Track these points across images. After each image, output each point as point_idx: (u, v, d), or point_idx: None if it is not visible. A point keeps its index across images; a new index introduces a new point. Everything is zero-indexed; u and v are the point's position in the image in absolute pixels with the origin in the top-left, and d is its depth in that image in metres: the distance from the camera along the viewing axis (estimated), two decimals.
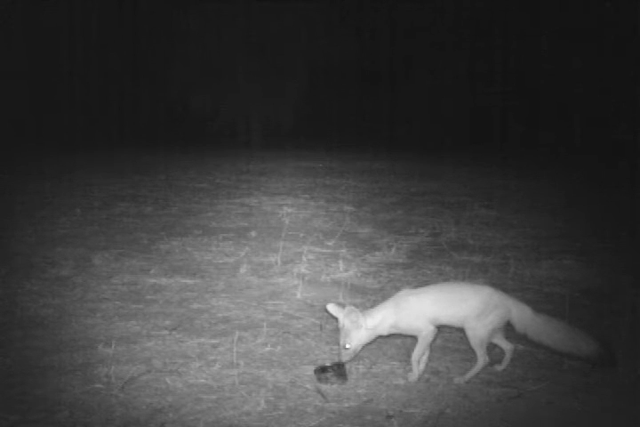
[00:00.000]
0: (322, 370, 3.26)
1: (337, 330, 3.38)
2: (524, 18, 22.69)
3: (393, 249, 6.18)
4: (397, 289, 4.89)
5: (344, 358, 3.26)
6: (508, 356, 3.45)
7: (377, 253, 6.09)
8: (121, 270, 5.30)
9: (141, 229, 7.09)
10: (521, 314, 3.30)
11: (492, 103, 23.89)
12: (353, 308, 3.30)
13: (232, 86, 25.48)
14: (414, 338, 3.83)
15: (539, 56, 22.95)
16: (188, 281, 5.03)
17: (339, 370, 3.25)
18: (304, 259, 5.71)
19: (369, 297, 4.67)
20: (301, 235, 6.74)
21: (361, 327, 3.26)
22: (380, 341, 3.75)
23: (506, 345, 3.45)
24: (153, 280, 5.03)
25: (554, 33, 22.02)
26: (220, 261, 5.68)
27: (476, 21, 23.85)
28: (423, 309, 3.31)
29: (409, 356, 3.57)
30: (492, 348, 3.69)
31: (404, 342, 3.78)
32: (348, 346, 3.25)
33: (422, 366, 3.38)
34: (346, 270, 5.39)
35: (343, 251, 6.07)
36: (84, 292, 4.70)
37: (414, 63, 25.11)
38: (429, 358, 3.44)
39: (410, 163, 16.25)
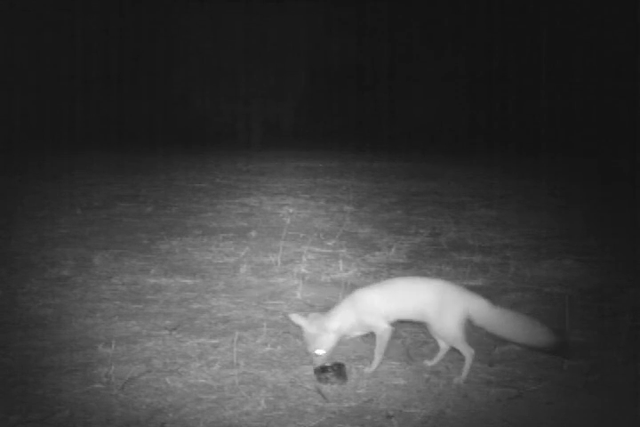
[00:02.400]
0: (322, 370, 3.26)
1: (302, 338, 3.41)
2: (524, 18, 22.69)
3: (393, 249, 6.18)
4: None
5: (318, 363, 3.30)
6: (441, 353, 3.45)
7: (377, 253, 6.09)
8: (121, 270, 5.30)
9: (141, 229, 7.09)
10: (478, 307, 3.31)
11: (491, 103, 23.88)
12: (317, 314, 3.38)
13: (232, 86, 25.48)
14: (414, 338, 3.84)
15: (539, 56, 22.95)
16: (188, 281, 5.03)
17: (339, 370, 3.25)
18: (304, 259, 5.71)
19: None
20: (301, 235, 6.74)
21: (328, 331, 3.30)
22: None
23: (442, 343, 3.44)
24: (153, 280, 5.03)
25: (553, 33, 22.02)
26: (220, 261, 5.68)
27: (476, 21, 23.84)
28: (378, 306, 3.34)
29: (409, 356, 3.57)
30: (491, 348, 3.69)
31: (404, 342, 3.78)
32: (321, 352, 3.30)
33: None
34: (346, 270, 5.39)
35: (343, 251, 6.07)
36: (84, 292, 4.70)
37: (414, 63, 25.09)
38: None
39: (410, 163, 16.26)
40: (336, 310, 3.38)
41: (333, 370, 3.24)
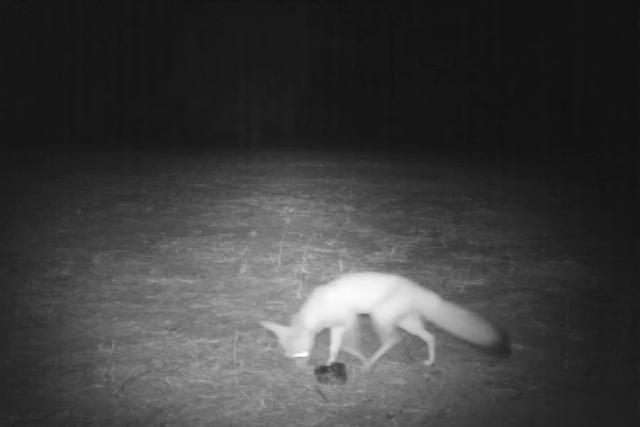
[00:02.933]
0: (322, 370, 3.26)
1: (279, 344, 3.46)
2: (523, 18, 22.69)
3: (393, 249, 6.18)
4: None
5: (302, 366, 3.36)
6: (431, 347, 3.50)
7: (377, 253, 6.09)
8: (121, 270, 5.30)
9: (141, 229, 7.09)
10: (429, 303, 3.43)
11: (492, 103, 23.89)
12: (293, 318, 3.45)
13: (232, 86, 25.48)
14: (414, 338, 3.84)
15: (538, 57, 22.96)
16: (188, 281, 5.03)
17: (339, 370, 3.25)
18: (304, 259, 5.71)
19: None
20: (301, 235, 6.74)
21: (305, 333, 3.36)
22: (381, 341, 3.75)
23: (426, 336, 3.51)
24: (153, 280, 5.03)
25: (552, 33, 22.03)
26: (220, 261, 5.68)
27: (475, 21, 23.84)
28: (343, 299, 3.41)
29: (409, 356, 3.57)
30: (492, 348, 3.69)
31: (404, 342, 3.78)
32: (304, 353, 3.36)
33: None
34: (346, 270, 5.38)
35: (343, 251, 6.07)
36: (84, 292, 4.70)
37: (414, 63, 25.10)
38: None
39: (410, 163, 16.26)
40: (304, 310, 3.43)
41: (333, 370, 3.25)
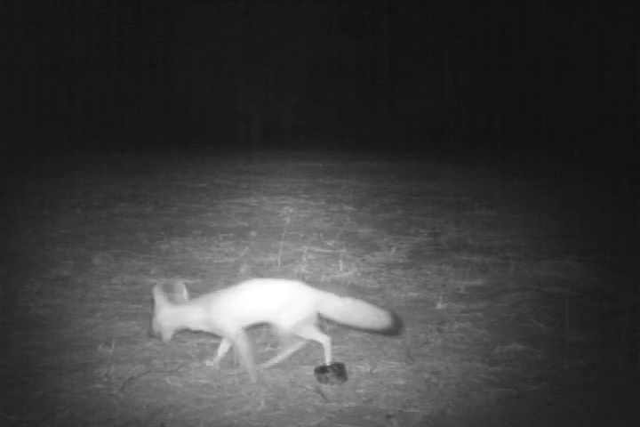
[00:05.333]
0: (322, 370, 3.26)
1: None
2: (523, 18, 22.69)
3: (393, 249, 6.18)
4: (397, 289, 4.91)
5: (155, 335, 3.45)
6: (327, 348, 3.37)
7: (377, 253, 6.08)
8: (121, 270, 5.29)
9: (141, 229, 7.09)
10: (329, 304, 3.38)
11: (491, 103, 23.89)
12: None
13: (232, 86, 25.47)
14: (414, 338, 3.84)
15: (538, 57, 22.95)
16: (188, 281, 5.02)
17: (339, 370, 3.25)
18: (304, 259, 5.71)
19: (369, 297, 4.67)
20: (301, 235, 6.74)
21: (177, 323, 3.40)
22: (381, 341, 3.76)
23: (321, 338, 3.40)
24: (153, 280, 5.03)
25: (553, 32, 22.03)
26: (220, 261, 5.68)
27: (475, 22, 23.85)
28: (231, 310, 3.30)
29: (409, 356, 3.57)
30: (491, 348, 3.69)
31: (404, 342, 3.78)
32: (166, 336, 3.46)
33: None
34: (346, 270, 5.38)
35: (343, 251, 6.07)
36: (84, 292, 4.70)
37: (414, 63, 25.10)
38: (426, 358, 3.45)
39: (410, 163, 16.26)
40: (192, 305, 3.37)
41: (333, 370, 3.24)
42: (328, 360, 3.36)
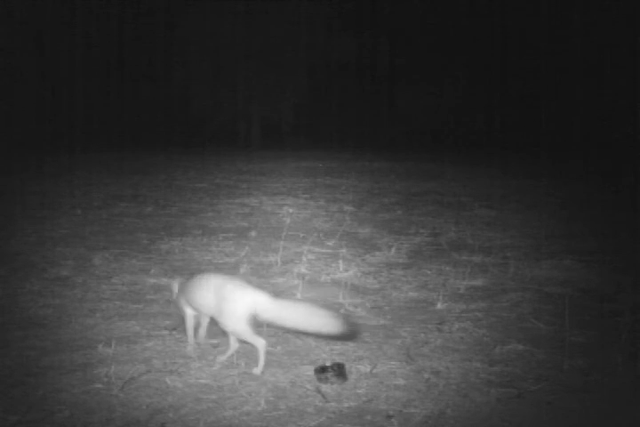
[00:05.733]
0: (322, 370, 3.26)
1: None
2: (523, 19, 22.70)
3: (393, 249, 6.18)
4: (397, 289, 4.91)
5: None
6: (261, 353, 3.30)
7: (377, 253, 6.08)
8: (121, 270, 5.29)
9: (141, 229, 7.09)
10: (260, 302, 3.27)
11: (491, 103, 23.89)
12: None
13: (232, 86, 25.46)
14: (414, 338, 3.84)
15: (538, 57, 22.95)
16: None
17: (339, 370, 3.25)
18: (304, 259, 5.71)
19: (369, 297, 4.67)
20: (301, 235, 6.74)
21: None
22: (380, 341, 3.76)
23: (256, 342, 3.32)
24: (153, 280, 5.03)
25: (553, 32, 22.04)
26: (220, 261, 5.68)
27: (476, 20, 23.85)
28: (182, 292, 3.59)
29: (409, 356, 3.57)
30: (491, 348, 3.70)
31: (404, 342, 3.78)
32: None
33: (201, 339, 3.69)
34: (346, 270, 5.38)
35: (343, 251, 6.07)
36: (84, 292, 4.70)
37: (414, 63, 25.10)
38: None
39: (410, 163, 16.26)
40: (176, 281, 3.82)
41: (333, 370, 3.24)
42: (261, 366, 3.26)
